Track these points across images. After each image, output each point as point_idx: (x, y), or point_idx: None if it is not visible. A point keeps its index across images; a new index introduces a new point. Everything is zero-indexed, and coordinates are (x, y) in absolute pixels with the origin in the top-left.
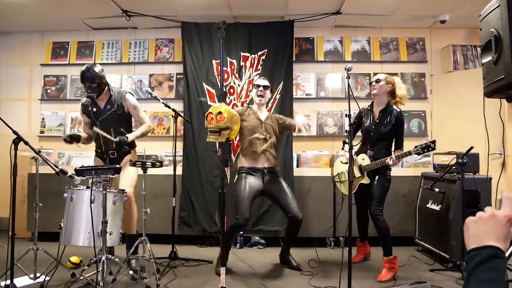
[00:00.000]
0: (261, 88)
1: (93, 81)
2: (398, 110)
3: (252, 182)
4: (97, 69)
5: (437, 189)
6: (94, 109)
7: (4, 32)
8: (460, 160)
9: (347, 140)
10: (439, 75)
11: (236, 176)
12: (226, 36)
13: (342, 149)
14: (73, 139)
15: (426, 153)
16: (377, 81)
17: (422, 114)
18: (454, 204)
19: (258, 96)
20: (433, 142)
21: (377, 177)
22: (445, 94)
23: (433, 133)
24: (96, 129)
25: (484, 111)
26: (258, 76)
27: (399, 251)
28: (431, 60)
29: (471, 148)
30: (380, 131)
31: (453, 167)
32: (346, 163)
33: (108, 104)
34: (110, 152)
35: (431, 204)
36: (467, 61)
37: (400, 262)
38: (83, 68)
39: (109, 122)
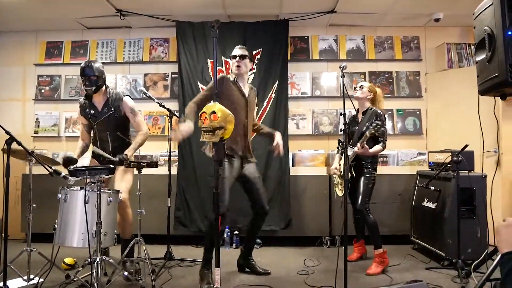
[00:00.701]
0: (237, 58)
1: (92, 74)
2: (379, 111)
3: (232, 168)
4: (98, 64)
5: (432, 187)
6: (92, 112)
7: None
8: (455, 158)
9: (341, 139)
10: (434, 73)
11: None
12: (221, 35)
13: (338, 147)
14: (70, 162)
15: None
16: (361, 87)
17: (417, 112)
18: (449, 202)
19: (236, 67)
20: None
21: (362, 176)
22: (439, 92)
23: (428, 131)
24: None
25: (478, 109)
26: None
27: (395, 249)
28: (425, 58)
29: (466, 146)
30: (362, 130)
31: (448, 165)
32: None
33: (105, 107)
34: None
35: (427, 202)
36: (462, 59)
37: (396, 260)
38: (83, 62)
39: (106, 125)
